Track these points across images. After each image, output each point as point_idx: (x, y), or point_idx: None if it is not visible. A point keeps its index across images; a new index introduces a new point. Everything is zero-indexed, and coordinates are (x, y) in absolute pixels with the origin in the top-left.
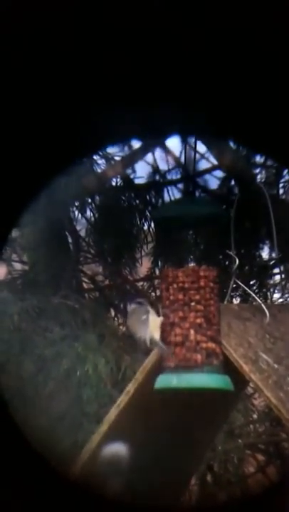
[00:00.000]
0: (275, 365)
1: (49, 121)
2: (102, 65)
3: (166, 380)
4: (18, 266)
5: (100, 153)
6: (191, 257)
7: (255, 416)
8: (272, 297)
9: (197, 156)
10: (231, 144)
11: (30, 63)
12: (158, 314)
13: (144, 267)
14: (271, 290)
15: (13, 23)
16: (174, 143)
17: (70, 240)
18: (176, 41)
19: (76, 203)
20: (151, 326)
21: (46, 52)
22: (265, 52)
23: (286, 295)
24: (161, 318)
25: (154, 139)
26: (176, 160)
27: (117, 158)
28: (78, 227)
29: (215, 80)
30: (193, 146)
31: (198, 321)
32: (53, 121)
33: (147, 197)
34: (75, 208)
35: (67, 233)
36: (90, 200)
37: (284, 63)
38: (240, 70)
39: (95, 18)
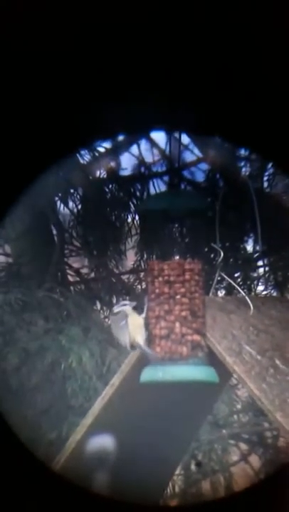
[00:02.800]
0: (258, 357)
1: (35, 115)
2: (90, 61)
3: (152, 373)
4: (1, 258)
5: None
6: (176, 249)
7: (239, 406)
8: (256, 290)
9: (182, 148)
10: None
11: (17, 61)
12: (141, 310)
13: (129, 260)
14: (255, 283)
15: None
16: (159, 135)
17: (54, 232)
18: (164, 38)
19: (60, 195)
20: (131, 328)
21: (33, 52)
22: (251, 49)
23: (270, 288)
24: (143, 317)
25: (140, 134)
26: (162, 152)
27: (101, 150)
28: (63, 220)
29: (201, 76)
30: (178, 138)
31: (184, 313)
32: (40, 115)
33: (132, 189)
34: (58, 200)
35: (51, 225)
36: (73, 191)
37: (270, 59)
38: (226, 66)
39: (85, 16)
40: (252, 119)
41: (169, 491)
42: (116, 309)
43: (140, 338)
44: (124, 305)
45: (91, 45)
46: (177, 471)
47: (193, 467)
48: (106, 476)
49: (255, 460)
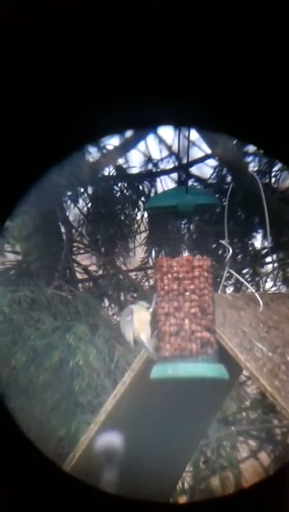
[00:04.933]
0: (270, 354)
1: (43, 112)
2: (98, 58)
3: (162, 370)
4: (10, 256)
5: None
6: (185, 246)
7: (247, 403)
8: (264, 286)
9: (190, 144)
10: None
11: (25, 58)
12: (150, 306)
13: (137, 257)
14: (264, 279)
15: (10, 18)
16: (166, 131)
17: (63, 230)
18: (173, 35)
19: (69, 193)
20: (136, 324)
21: (41, 48)
22: (258, 47)
23: (278, 284)
24: (149, 314)
25: (148, 130)
26: (169, 149)
27: (110, 148)
28: (71, 218)
29: (210, 73)
30: (187, 135)
31: (193, 310)
32: (47, 112)
33: (140, 187)
34: (67, 198)
35: (60, 223)
36: (82, 190)
37: (277, 55)
38: (234, 63)
39: (93, 14)
40: (260, 115)
41: (178, 487)
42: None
43: (144, 336)
44: (135, 303)
45: (98, 41)
46: (186, 468)
47: (201, 464)
48: (115, 474)
49: (264, 457)
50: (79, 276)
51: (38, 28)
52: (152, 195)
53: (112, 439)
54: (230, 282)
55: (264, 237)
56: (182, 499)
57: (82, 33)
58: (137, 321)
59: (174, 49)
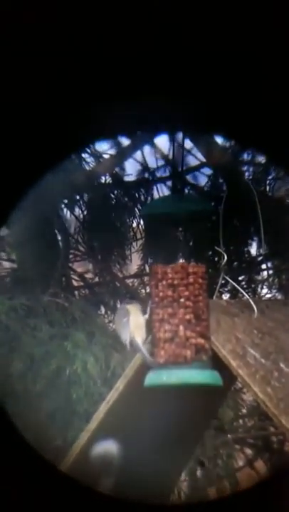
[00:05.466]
0: (263, 360)
1: (37, 117)
2: (93, 62)
3: (156, 377)
4: (6, 264)
5: (89, 150)
6: (181, 253)
7: (244, 411)
8: (260, 293)
9: (185, 153)
10: (219, 141)
11: (19, 61)
12: (145, 312)
13: (133, 264)
14: (259, 286)
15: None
16: (162, 140)
17: (59, 238)
18: (168, 39)
19: (65, 201)
20: (132, 327)
21: (36, 52)
22: (255, 48)
23: (274, 290)
24: (145, 317)
25: (143, 135)
26: (165, 157)
27: (106, 156)
28: (67, 225)
29: (205, 75)
30: (182, 143)
31: (188, 317)
32: (41, 117)
33: (136, 194)
34: (63, 206)
35: (56, 231)
36: (78, 198)
37: (273, 59)
38: (230, 65)
39: (89, 17)
40: (256, 118)
41: (174, 497)
42: (119, 306)
43: (139, 339)
44: (130, 303)
45: (92, 46)
46: (182, 477)
47: (198, 472)
48: (111, 481)
49: (260, 465)
50: (75, 283)
51: (35, 28)
52: (148, 202)
53: (108, 447)
54: (226, 289)
55: (259, 244)
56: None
57: (75, 39)
58: (133, 324)
59: (173, 49)
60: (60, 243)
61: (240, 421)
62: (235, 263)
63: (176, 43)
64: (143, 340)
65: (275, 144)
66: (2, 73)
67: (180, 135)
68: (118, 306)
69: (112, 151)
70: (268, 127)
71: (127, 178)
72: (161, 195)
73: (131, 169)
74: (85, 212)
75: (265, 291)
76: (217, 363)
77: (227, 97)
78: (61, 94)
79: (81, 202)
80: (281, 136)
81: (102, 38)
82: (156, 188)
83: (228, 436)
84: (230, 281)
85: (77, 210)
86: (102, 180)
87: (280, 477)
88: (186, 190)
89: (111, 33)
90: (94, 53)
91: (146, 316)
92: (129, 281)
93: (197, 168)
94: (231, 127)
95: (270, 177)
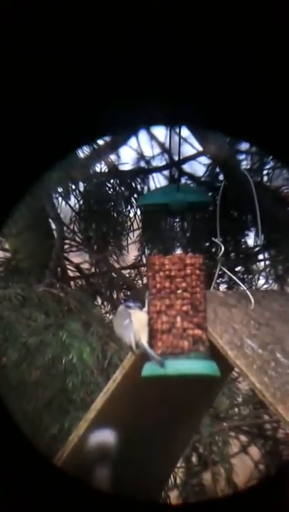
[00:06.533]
0: (260, 351)
1: (36, 116)
2: (89, 58)
3: (154, 368)
4: (0, 253)
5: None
6: (178, 244)
7: (239, 399)
8: (257, 283)
9: (182, 142)
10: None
11: (23, 59)
12: (143, 305)
13: (130, 254)
14: (256, 276)
15: (10, 16)
16: (158, 128)
17: (53, 227)
18: (166, 34)
19: (60, 190)
20: (135, 327)
21: (39, 50)
22: (251, 43)
23: (270, 281)
24: (146, 314)
25: (142, 128)
26: (161, 146)
27: (101, 143)
28: (62, 215)
29: (202, 70)
30: (178, 132)
31: (185, 308)
32: (39, 114)
33: (133, 184)
34: (58, 195)
35: (50, 220)
36: (73, 187)
37: (270, 52)
38: (226, 59)
39: (92, 14)
40: (252, 111)
41: (170, 482)
42: (118, 309)
43: (144, 337)
44: (128, 307)
45: (91, 42)
46: (178, 464)
47: (194, 458)
48: (107, 471)
49: (255, 452)
50: (71, 274)
51: (35, 28)
52: (145, 192)
53: (105, 436)
54: (223, 280)
55: (257, 234)
56: (174, 494)
57: (75, 35)
58: (137, 324)
59: (172, 49)
60: (55, 233)
61: (236, 409)
62: (233, 254)
63: (174, 42)
64: (146, 339)
65: (271, 137)
66: (2, 73)
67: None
68: (114, 298)
69: (107, 139)
70: (263, 121)
71: (122, 167)
72: (157, 184)
73: (127, 157)
74: (81, 202)
75: (261, 281)
76: (214, 353)
77: (223, 93)
78: (59, 93)
79: (77, 191)
80: (277, 128)
81: (102, 38)
82: (153, 177)
83: (224, 424)
84: (227, 272)
85: (72, 200)
86: (98, 169)
87: (281, 477)
88: (184, 180)
89: (111, 33)
90: (92, 51)
91: (146, 308)
92: (125, 272)
93: (194, 157)
94: (228, 123)
95: (267, 167)
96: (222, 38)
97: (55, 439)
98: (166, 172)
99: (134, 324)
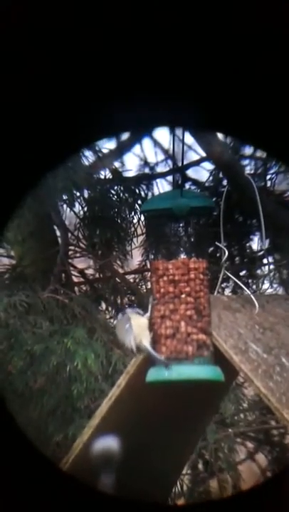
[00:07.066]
0: (265, 355)
1: (37, 117)
2: (91, 59)
3: (158, 373)
4: (5, 260)
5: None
6: (182, 249)
7: (245, 405)
8: (261, 288)
9: (185, 147)
10: (219, 136)
11: (19, 61)
12: (146, 310)
13: (134, 260)
14: (260, 281)
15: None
16: (161, 135)
17: (58, 234)
18: (166, 35)
19: (64, 197)
20: (136, 331)
21: (37, 51)
22: (253, 44)
23: (275, 285)
24: (147, 318)
25: (144, 131)
26: (165, 152)
27: (105, 151)
28: (67, 222)
29: (204, 70)
30: (182, 137)
31: (189, 313)
32: (40, 116)
33: (137, 190)
34: (63, 202)
35: (55, 227)
36: (78, 194)
37: (274, 56)
38: (229, 60)
39: (92, 14)
40: (256, 114)
41: (176, 489)
42: (120, 316)
43: (146, 340)
44: (127, 313)
45: (92, 43)
46: (184, 471)
47: (200, 465)
48: (112, 477)
49: (261, 458)
50: (75, 279)
51: (35, 28)
52: (149, 198)
53: (109, 443)
54: (227, 284)
55: (261, 239)
56: (180, 502)
57: (76, 36)
58: (136, 327)
59: (175, 50)
60: (60, 239)
61: (242, 415)
62: (237, 258)
63: (177, 41)
64: (149, 341)
65: (274, 140)
66: (2, 73)
67: (180, 129)
68: (119, 303)
69: (112, 145)
70: (267, 123)
71: (126, 174)
72: (161, 190)
73: (131, 164)
74: (85, 209)
75: (266, 286)
76: (219, 358)
77: (226, 94)
78: (60, 95)
79: (81, 198)
80: (281, 132)
81: (102, 38)
82: (157, 183)
83: (230, 430)
84: (232, 276)
85: (77, 206)
86: (102, 176)
87: (282, 477)
88: (188, 186)
89: (111, 33)
90: (94, 53)
91: (148, 313)
92: (130, 277)
93: (198, 162)
94: (231, 124)
95: (271, 172)
96: (226, 39)
97: (60, 447)
98: (169, 178)
99: (134, 328)
